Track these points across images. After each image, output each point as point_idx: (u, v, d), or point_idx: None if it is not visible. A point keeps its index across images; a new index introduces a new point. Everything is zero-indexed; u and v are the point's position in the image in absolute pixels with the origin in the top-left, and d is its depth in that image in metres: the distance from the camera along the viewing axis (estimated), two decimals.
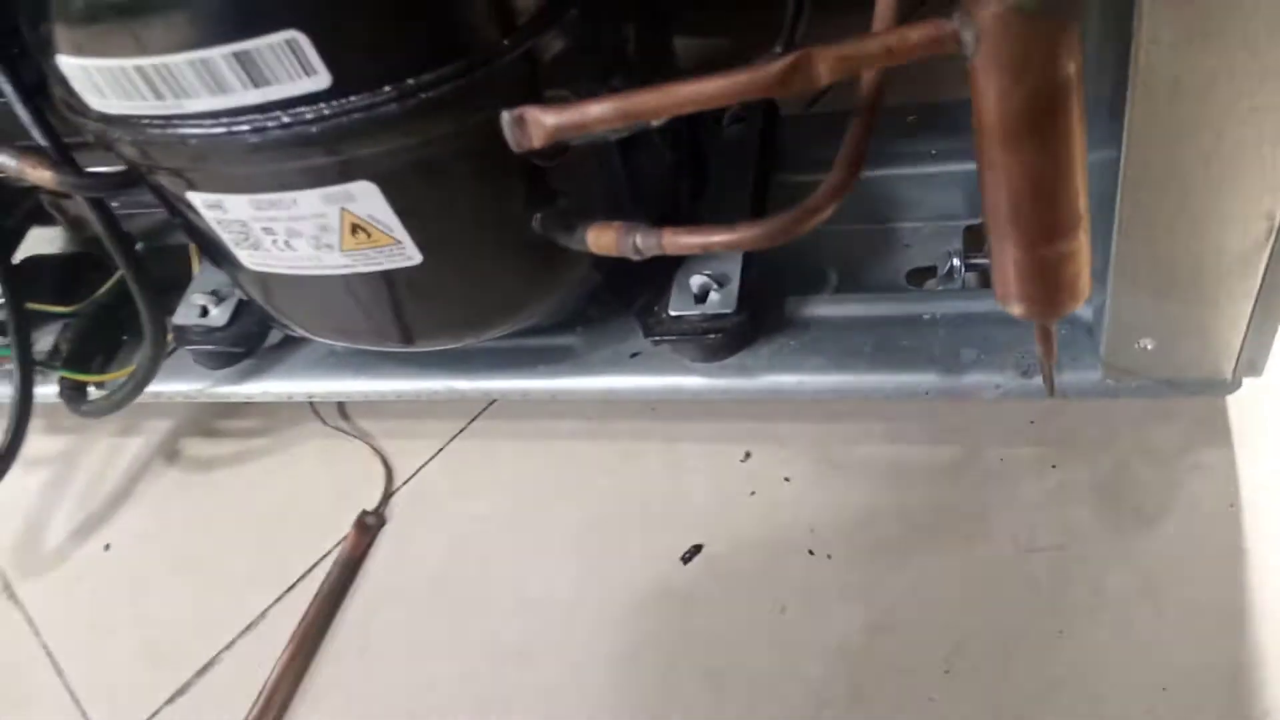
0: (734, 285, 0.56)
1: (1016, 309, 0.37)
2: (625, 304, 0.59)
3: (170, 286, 0.66)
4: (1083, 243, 0.35)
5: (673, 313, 0.56)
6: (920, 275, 0.61)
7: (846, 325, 0.56)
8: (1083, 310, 0.53)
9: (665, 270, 0.57)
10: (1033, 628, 0.50)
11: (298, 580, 0.63)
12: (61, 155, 0.50)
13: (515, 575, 0.59)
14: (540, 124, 0.35)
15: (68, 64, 0.42)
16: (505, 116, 0.36)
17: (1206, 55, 0.33)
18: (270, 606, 0.63)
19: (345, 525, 0.64)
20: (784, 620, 0.53)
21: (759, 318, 0.56)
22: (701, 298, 0.56)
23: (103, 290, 0.71)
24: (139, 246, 0.71)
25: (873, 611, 0.52)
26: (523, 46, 0.42)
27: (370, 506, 0.64)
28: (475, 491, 0.63)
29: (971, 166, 0.34)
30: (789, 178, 0.64)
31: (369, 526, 0.63)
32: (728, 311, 0.55)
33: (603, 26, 0.46)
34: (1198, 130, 0.36)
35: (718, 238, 0.41)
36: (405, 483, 0.65)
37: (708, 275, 0.56)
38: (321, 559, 0.63)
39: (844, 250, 0.64)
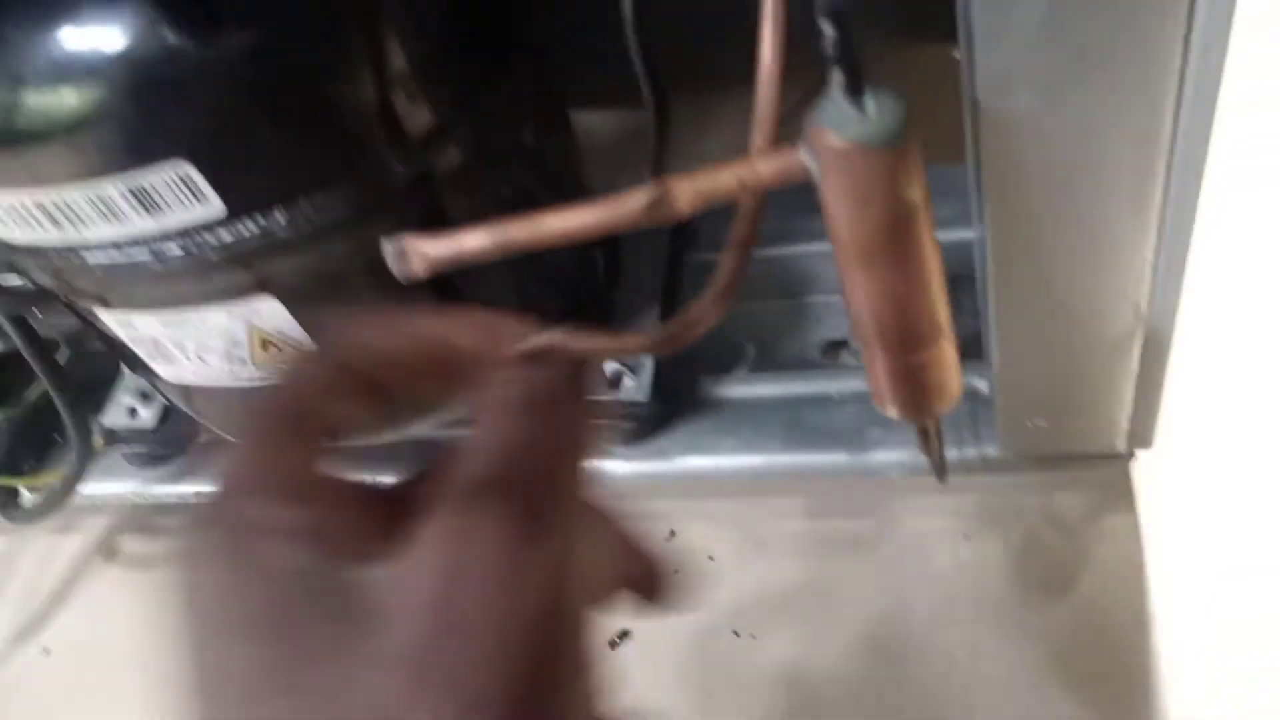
0: (647, 372, 0.57)
1: (890, 411, 0.38)
2: None
3: (102, 381, 0.67)
4: (945, 349, 0.36)
5: None
6: (834, 349, 0.63)
7: (758, 405, 0.57)
8: (980, 385, 0.54)
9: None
10: (950, 702, 0.51)
11: None
12: None
13: None
14: (421, 255, 0.36)
15: None
16: (387, 248, 0.37)
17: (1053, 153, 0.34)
18: None
19: None
20: (711, 705, 0.54)
21: (673, 402, 0.57)
22: (615, 383, 0.57)
23: (32, 393, 0.71)
24: (63, 352, 0.71)
25: (795, 695, 0.53)
26: (414, 165, 0.43)
27: None
28: None
29: None
30: (704, 256, 0.65)
31: None
32: (641, 399, 0.56)
33: (497, 133, 0.48)
34: (1056, 225, 0.37)
35: (606, 344, 0.41)
36: None
37: (622, 362, 0.57)
38: None
39: (760, 324, 0.65)
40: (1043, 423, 0.48)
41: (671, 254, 0.63)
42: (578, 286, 0.60)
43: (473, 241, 0.36)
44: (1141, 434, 0.47)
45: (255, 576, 0.21)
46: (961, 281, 0.62)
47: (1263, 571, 0.46)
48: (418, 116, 0.43)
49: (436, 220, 0.45)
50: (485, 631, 0.19)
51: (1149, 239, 0.36)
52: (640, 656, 0.56)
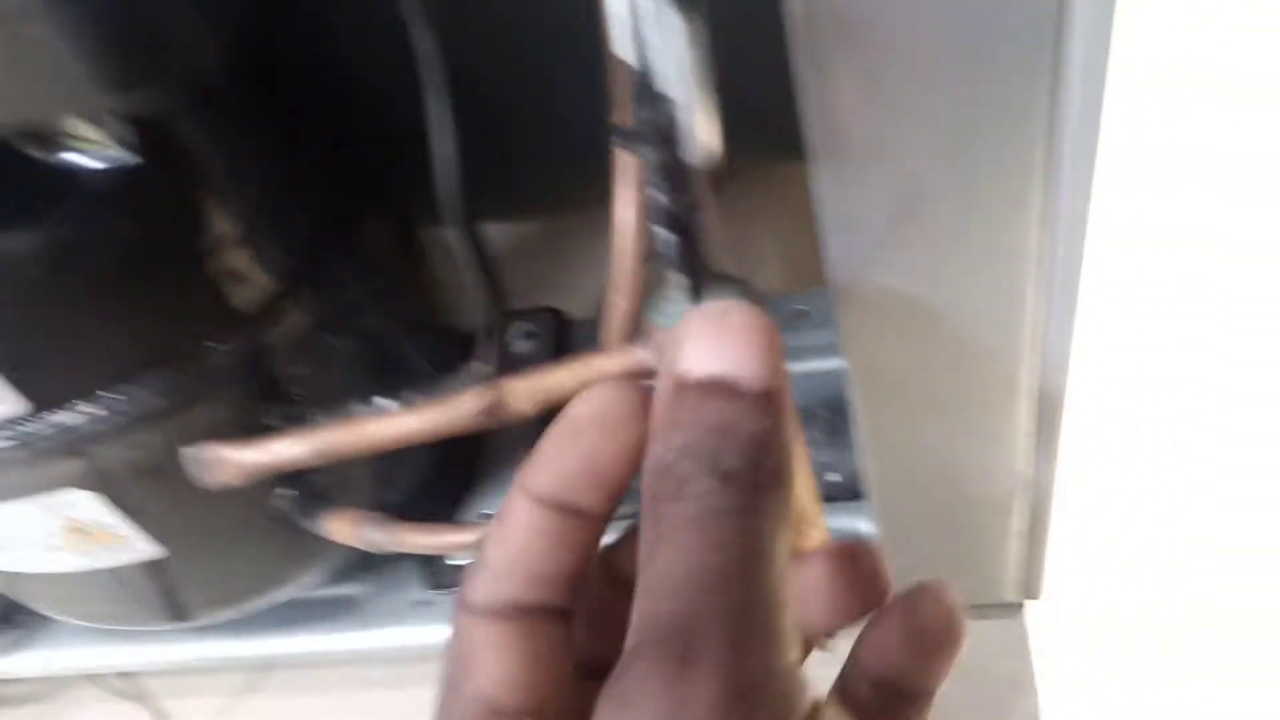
0: None
1: None
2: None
3: None
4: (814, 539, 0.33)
5: (451, 561, 0.53)
6: None
7: None
8: (865, 528, 0.52)
9: (446, 512, 0.54)
10: None
11: None
12: None
13: None
14: (234, 465, 0.33)
15: None
16: (186, 456, 0.33)
17: (913, 335, 0.32)
18: None
19: None
20: None
21: None
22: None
23: None
24: None
25: None
26: (238, 346, 0.39)
27: None
28: None
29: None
30: None
31: None
32: None
33: (342, 292, 0.44)
34: (925, 400, 0.35)
35: (448, 538, 0.38)
36: None
37: (489, 516, 0.53)
38: None
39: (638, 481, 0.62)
40: (927, 574, 0.45)
41: None
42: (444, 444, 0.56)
43: (292, 450, 0.32)
44: (1029, 587, 0.46)
45: None
46: (846, 411, 0.60)
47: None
48: (242, 290, 0.39)
49: (271, 393, 0.41)
50: None
51: (1020, 412, 0.35)
52: None
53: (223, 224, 0.38)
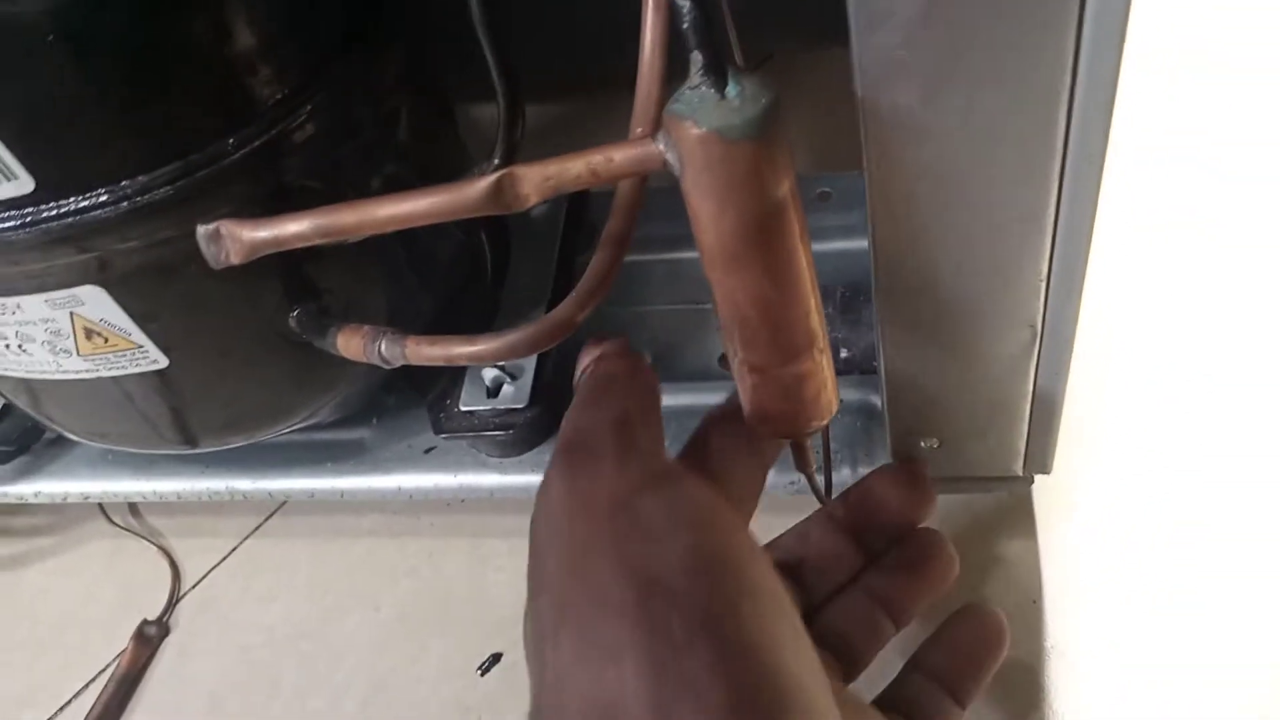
0: (527, 378, 0.53)
1: (762, 429, 0.35)
2: (420, 394, 0.56)
3: None
4: (818, 362, 0.33)
5: (464, 408, 0.53)
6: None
7: None
8: (878, 401, 0.51)
9: None
10: None
11: (72, 698, 0.58)
12: None
13: (300, 694, 0.55)
14: (238, 240, 0.32)
15: None
16: (200, 231, 0.33)
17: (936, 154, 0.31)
18: None
19: (127, 636, 0.59)
20: None
21: (556, 411, 0.54)
22: (494, 391, 0.53)
23: None
24: None
25: None
26: (252, 144, 0.39)
27: (154, 615, 0.60)
28: (267, 597, 0.59)
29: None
30: None
31: (149, 638, 0.58)
32: (520, 406, 0.52)
33: (358, 114, 0.44)
34: (941, 233, 0.34)
35: (459, 350, 0.38)
36: (193, 587, 0.61)
37: (501, 368, 0.53)
38: (100, 673, 0.58)
39: (658, 332, 0.62)
40: (936, 443, 0.45)
41: (561, 256, 0.60)
42: (459, 281, 0.56)
43: (294, 227, 0.32)
44: (1039, 459, 0.45)
45: None
46: (866, 292, 0.59)
47: (1163, 604, 0.44)
48: (258, 84, 0.39)
49: (282, 204, 0.41)
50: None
51: (1042, 251, 0.34)
52: (509, 682, 0.53)
53: (242, 11, 0.37)
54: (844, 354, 0.54)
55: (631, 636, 0.24)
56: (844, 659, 0.39)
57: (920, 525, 0.43)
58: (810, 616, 0.41)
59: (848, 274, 0.57)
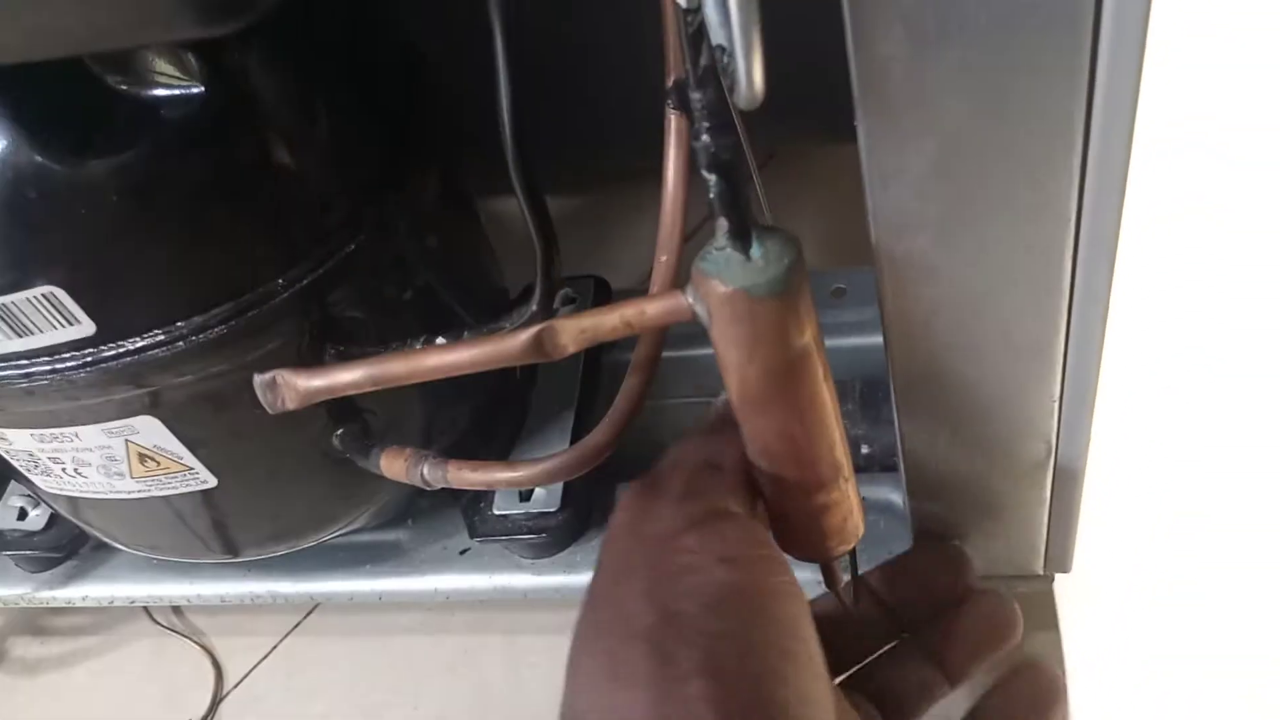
0: (559, 482, 0.55)
1: (793, 553, 0.36)
2: (454, 496, 0.58)
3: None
4: (844, 491, 0.34)
5: (498, 511, 0.55)
6: None
7: None
8: (897, 499, 0.53)
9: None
10: None
11: None
12: None
13: None
14: (294, 389, 0.34)
15: None
16: (257, 380, 0.35)
17: (949, 294, 0.33)
18: None
19: None
20: None
21: (586, 512, 0.55)
22: (527, 495, 0.55)
23: None
24: None
25: None
26: (300, 283, 0.41)
27: (198, 715, 0.61)
28: (308, 695, 0.61)
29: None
30: (623, 356, 0.63)
31: None
32: (552, 510, 0.54)
33: (395, 241, 0.46)
34: (957, 362, 0.36)
35: (500, 475, 0.40)
36: (236, 686, 0.63)
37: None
38: None
39: (684, 425, 0.63)
40: (958, 544, 0.46)
41: (588, 361, 0.61)
42: (491, 387, 0.58)
43: (347, 376, 0.34)
44: (1059, 559, 0.46)
45: None
46: (885, 388, 0.61)
47: (1184, 697, 0.45)
48: (305, 224, 0.41)
49: (329, 333, 0.43)
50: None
51: (1054, 376, 0.35)
52: None
53: (290, 159, 0.39)
54: (864, 450, 0.56)
55: (644, 664, 0.26)
56: (890, 713, 0.40)
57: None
58: (860, 671, 0.42)
59: (865, 369, 0.58)
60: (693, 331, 0.61)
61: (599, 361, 0.62)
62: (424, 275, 0.49)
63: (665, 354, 0.66)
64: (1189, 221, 0.30)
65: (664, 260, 0.41)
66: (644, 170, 0.43)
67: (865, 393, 0.58)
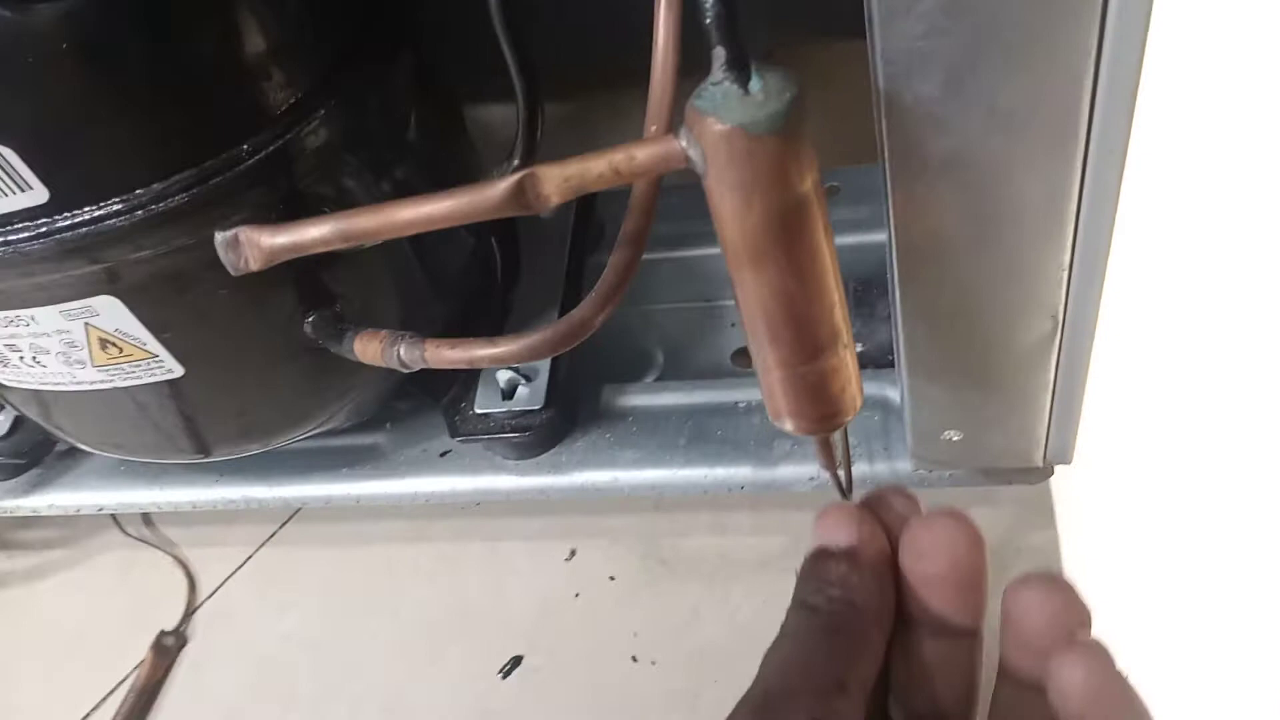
0: (542, 380, 0.53)
1: (788, 425, 0.35)
2: (434, 398, 0.56)
3: None
4: (843, 358, 0.32)
5: (479, 410, 0.53)
6: (744, 355, 0.59)
7: (663, 415, 0.54)
8: (894, 395, 0.51)
9: None
10: None
11: (92, 710, 0.58)
12: None
13: (318, 702, 0.55)
14: (257, 246, 0.32)
15: None
16: (219, 238, 0.33)
17: (957, 144, 0.31)
18: None
19: (144, 647, 0.59)
20: None
21: (570, 412, 0.54)
22: (509, 393, 0.53)
23: None
24: None
25: None
26: (265, 150, 0.39)
27: (170, 625, 0.59)
28: (284, 605, 0.59)
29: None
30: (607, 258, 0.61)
31: (167, 648, 0.58)
32: (536, 408, 0.52)
33: (369, 120, 0.43)
34: (963, 223, 0.34)
35: (480, 352, 0.38)
36: (209, 597, 0.61)
37: (516, 370, 0.53)
38: (118, 685, 0.58)
39: (670, 330, 0.62)
40: (956, 436, 0.45)
41: (572, 259, 0.59)
42: (471, 285, 0.56)
43: (314, 231, 0.31)
44: (1060, 449, 0.45)
45: None
46: (878, 285, 0.59)
47: (1183, 593, 0.43)
48: (270, 90, 0.38)
49: (298, 211, 0.41)
50: None
51: (1064, 241, 0.34)
52: (531, 685, 0.52)
53: (255, 14, 0.37)
54: (859, 348, 0.54)
55: None
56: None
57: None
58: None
59: (859, 268, 0.57)
60: (682, 233, 0.60)
61: (584, 263, 0.60)
62: (400, 162, 0.46)
63: (653, 256, 0.65)
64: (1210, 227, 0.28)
65: (654, 130, 0.39)
66: (634, 71, 0.41)
67: (859, 291, 0.57)
